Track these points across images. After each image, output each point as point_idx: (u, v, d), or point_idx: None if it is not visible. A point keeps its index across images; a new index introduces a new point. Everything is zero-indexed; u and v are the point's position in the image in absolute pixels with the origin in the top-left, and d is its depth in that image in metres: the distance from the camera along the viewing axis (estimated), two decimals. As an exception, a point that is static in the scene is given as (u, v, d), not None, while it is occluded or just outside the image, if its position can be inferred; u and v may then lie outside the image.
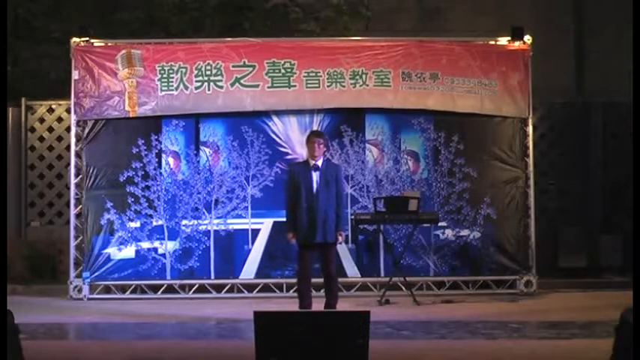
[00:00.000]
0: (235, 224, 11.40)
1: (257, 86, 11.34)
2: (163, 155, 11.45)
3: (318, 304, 8.94)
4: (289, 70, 11.34)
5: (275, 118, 11.51)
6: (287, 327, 5.69)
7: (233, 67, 11.32)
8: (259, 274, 11.38)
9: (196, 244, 11.36)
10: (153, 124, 11.46)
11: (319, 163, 8.98)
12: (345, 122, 11.52)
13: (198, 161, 11.47)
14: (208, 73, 11.31)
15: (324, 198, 8.87)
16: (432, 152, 11.58)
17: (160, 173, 11.42)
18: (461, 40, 11.75)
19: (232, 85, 11.33)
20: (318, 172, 8.93)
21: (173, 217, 11.36)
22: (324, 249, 8.93)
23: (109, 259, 11.29)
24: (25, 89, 13.15)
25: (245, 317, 8.00)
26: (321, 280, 9.12)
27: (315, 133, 9.38)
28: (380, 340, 7.62)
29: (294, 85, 11.36)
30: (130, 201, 11.32)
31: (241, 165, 11.45)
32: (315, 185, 8.91)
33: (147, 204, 11.34)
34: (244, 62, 11.33)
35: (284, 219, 9.35)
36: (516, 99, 11.55)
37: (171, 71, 11.33)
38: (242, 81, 11.33)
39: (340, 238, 9.03)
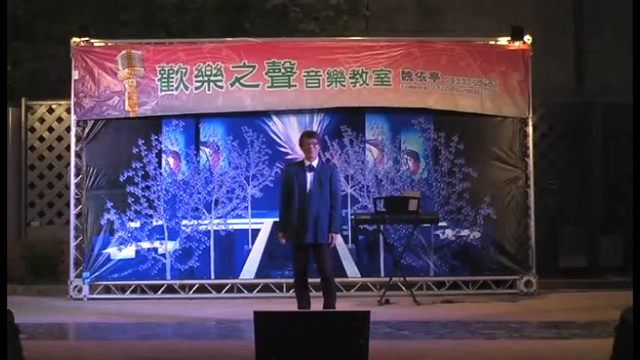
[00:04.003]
0: (235, 224, 11.40)
1: (257, 86, 11.34)
2: (163, 155, 11.45)
3: (317, 304, 8.93)
4: (289, 69, 11.34)
5: (275, 118, 11.51)
6: (287, 327, 5.69)
7: (233, 67, 11.32)
8: (259, 274, 11.38)
9: (196, 244, 11.36)
10: (153, 124, 11.46)
11: (314, 163, 8.89)
12: (345, 122, 11.52)
13: (198, 161, 11.47)
14: (208, 73, 11.32)
15: (316, 199, 8.77)
16: (432, 152, 11.58)
17: (160, 173, 11.42)
18: (461, 40, 11.75)
19: (232, 84, 11.33)
20: (312, 173, 8.83)
21: (173, 217, 11.37)
22: (316, 250, 8.82)
23: (109, 259, 11.29)
24: (25, 89, 13.16)
25: (245, 317, 7.96)
26: (319, 279, 9.06)
27: (307, 135, 9.15)
28: (380, 340, 7.62)
29: (294, 85, 11.36)
30: (130, 201, 11.33)
31: (241, 165, 11.45)
32: (308, 186, 8.81)
33: (147, 204, 11.35)
34: (244, 63, 11.34)
35: (279, 219, 9.33)
36: (516, 99, 11.56)
37: (171, 71, 11.34)
38: (242, 81, 11.33)
39: (332, 240, 8.82)
